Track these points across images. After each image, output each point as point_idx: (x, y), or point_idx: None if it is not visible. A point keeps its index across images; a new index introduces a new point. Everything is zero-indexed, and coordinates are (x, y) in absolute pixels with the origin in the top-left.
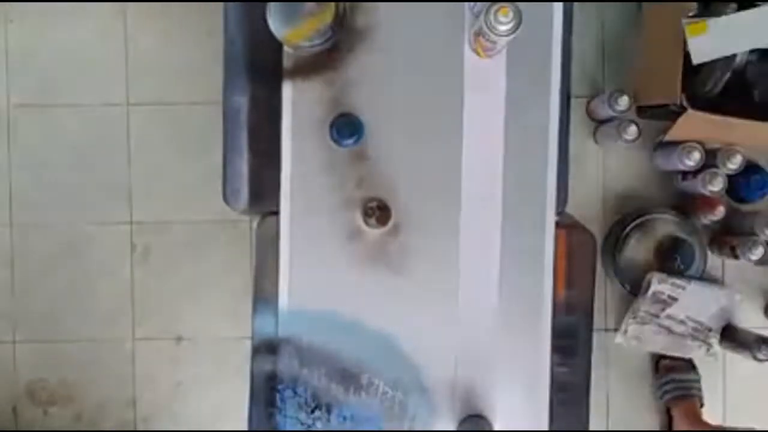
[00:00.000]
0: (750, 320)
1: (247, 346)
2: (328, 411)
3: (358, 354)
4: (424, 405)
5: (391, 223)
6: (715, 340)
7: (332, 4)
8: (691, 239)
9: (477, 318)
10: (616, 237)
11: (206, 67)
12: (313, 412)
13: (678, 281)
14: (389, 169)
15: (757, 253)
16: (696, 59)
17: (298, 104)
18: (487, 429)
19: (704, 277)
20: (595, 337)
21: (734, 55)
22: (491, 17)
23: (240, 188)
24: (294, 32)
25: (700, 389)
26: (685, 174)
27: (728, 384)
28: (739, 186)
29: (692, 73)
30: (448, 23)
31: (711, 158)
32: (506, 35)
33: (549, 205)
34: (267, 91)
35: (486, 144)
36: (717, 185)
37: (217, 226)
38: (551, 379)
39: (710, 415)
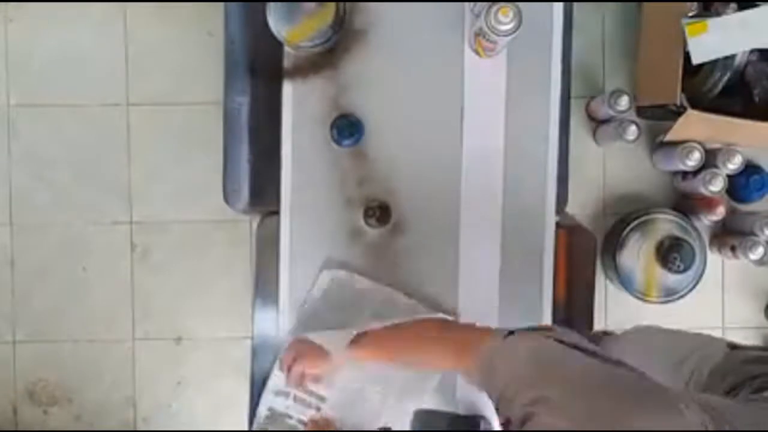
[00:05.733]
0: (750, 320)
1: (247, 345)
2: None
3: None
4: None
5: (391, 223)
6: None
7: (332, 4)
8: (691, 239)
9: (477, 318)
10: (616, 237)
11: (206, 67)
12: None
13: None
14: (389, 169)
15: (757, 253)
16: (696, 59)
17: (299, 104)
18: (486, 429)
19: None
20: None
21: (734, 55)
22: (491, 17)
23: (240, 188)
24: (294, 32)
25: None
26: (685, 174)
27: None
28: (739, 186)
29: (692, 73)
30: (448, 23)
31: (711, 158)
32: (506, 35)
33: (549, 205)
34: (267, 91)
35: (486, 144)
36: (717, 185)
37: (217, 226)
38: None
39: None
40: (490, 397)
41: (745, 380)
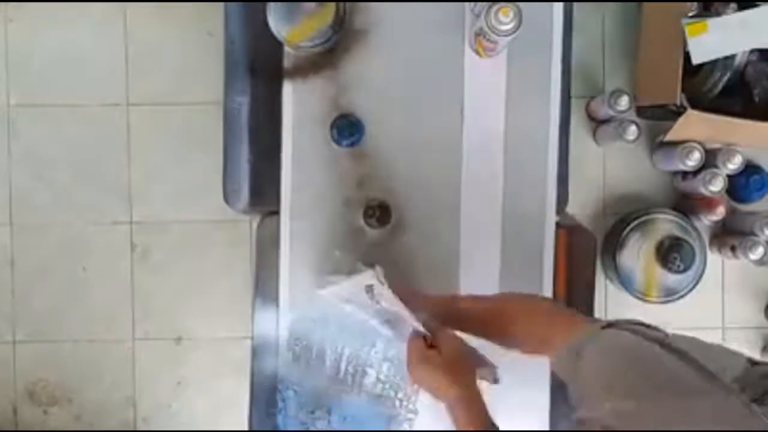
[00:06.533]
0: (750, 320)
1: (247, 345)
2: (328, 411)
3: (359, 354)
4: (424, 404)
5: (391, 223)
6: None
7: (332, 4)
8: (691, 239)
9: None
10: (616, 237)
11: (206, 67)
12: (313, 412)
13: None
14: (389, 169)
15: (757, 253)
16: (696, 59)
17: (299, 104)
18: None
19: None
20: None
21: (734, 55)
22: (492, 17)
23: (240, 188)
24: (294, 32)
25: None
26: (685, 174)
27: None
28: (739, 186)
29: (692, 73)
30: (448, 23)
31: (711, 158)
32: (507, 35)
33: (549, 205)
34: (267, 91)
35: (486, 144)
36: (717, 185)
37: (217, 226)
38: (551, 379)
39: None
40: (571, 388)
41: (764, 394)
